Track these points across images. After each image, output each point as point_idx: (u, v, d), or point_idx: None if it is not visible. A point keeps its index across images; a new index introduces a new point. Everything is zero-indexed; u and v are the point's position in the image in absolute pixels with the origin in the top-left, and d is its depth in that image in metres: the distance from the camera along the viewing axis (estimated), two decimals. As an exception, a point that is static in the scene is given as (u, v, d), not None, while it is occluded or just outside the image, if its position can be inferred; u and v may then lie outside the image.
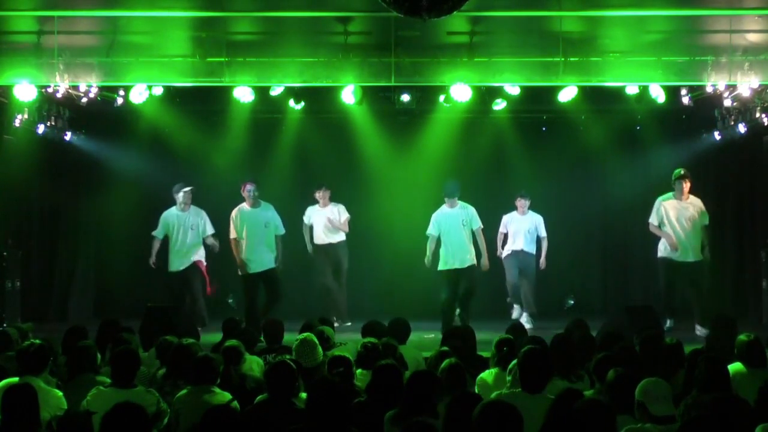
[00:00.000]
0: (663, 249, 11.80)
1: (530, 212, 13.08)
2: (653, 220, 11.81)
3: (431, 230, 11.83)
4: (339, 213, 13.08)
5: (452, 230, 11.76)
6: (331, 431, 5.04)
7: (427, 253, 11.83)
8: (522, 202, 13.05)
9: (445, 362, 6.32)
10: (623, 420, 5.11)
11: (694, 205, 11.74)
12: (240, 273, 11.81)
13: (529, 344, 6.50)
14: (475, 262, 11.76)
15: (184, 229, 12.45)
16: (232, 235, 11.80)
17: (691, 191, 11.75)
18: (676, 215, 11.69)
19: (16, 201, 13.03)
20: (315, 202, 13.18)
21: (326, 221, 13.02)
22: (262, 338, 8.63)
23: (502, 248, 13.10)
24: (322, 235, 13.10)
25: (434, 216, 11.88)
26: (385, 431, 5.48)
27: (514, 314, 12.91)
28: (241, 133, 13.98)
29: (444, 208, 11.90)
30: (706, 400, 5.31)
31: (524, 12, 10.18)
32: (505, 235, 13.12)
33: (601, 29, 10.86)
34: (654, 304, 11.11)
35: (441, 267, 11.75)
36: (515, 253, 12.97)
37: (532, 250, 13.00)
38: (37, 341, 6.87)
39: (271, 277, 11.75)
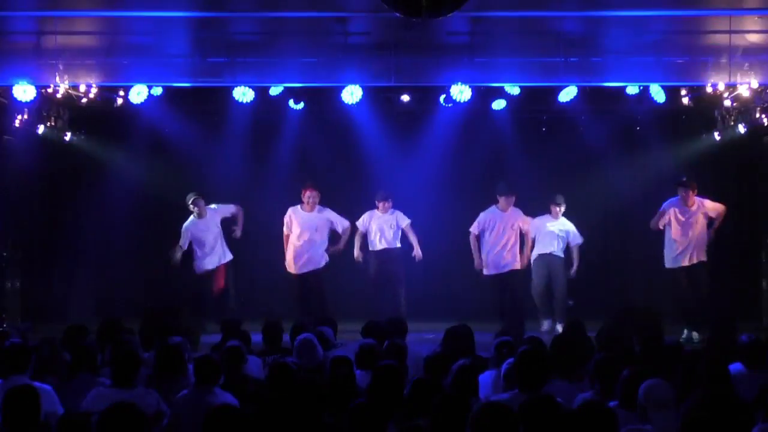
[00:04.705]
0: None
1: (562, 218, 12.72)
2: None
3: (472, 228, 12.23)
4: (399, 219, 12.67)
5: (493, 232, 12.11)
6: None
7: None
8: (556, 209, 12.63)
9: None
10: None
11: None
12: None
13: (526, 345, 6.49)
14: (517, 267, 12.16)
15: (206, 235, 12.45)
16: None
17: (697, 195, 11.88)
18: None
19: (16, 201, 13.02)
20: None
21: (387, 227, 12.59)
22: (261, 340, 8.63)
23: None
24: (377, 242, 12.66)
25: (480, 215, 12.25)
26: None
27: (544, 327, 12.34)
28: (242, 133, 13.96)
29: (493, 209, 12.22)
30: (706, 401, 5.31)
31: (524, 12, 10.19)
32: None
33: (601, 29, 10.87)
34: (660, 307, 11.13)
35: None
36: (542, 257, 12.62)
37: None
38: (17, 340, 6.89)
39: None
